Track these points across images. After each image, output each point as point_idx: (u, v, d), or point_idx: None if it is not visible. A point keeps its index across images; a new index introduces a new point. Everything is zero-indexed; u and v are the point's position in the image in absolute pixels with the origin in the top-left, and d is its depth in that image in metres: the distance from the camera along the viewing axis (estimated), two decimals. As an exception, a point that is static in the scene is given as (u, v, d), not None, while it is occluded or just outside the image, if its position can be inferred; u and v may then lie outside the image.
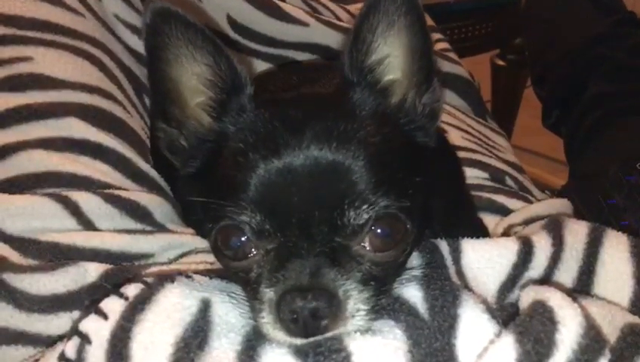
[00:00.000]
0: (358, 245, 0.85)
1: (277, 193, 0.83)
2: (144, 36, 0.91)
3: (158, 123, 1.00)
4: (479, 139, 1.64)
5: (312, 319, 0.77)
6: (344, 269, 0.82)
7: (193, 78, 0.94)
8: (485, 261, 0.92)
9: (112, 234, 1.03)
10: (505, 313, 0.81)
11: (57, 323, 0.90)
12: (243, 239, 0.86)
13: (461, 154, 1.48)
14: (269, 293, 0.81)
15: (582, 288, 0.92)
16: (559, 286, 0.86)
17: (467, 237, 0.97)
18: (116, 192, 1.07)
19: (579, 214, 1.38)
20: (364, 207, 0.82)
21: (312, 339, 0.77)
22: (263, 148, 0.85)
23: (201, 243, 1.07)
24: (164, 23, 0.89)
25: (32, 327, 0.90)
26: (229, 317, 0.81)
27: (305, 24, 1.68)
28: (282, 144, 0.85)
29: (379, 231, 0.85)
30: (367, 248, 0.85)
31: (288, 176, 0.83)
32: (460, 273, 0.91)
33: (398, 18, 0.90)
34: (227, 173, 0.88)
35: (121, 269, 0.93)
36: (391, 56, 0.94)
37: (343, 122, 0.87)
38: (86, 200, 1.03)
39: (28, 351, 0.89)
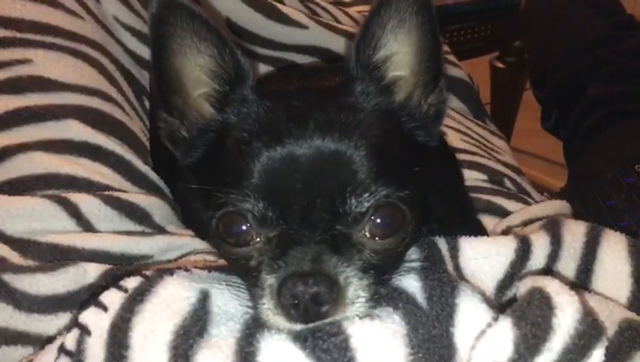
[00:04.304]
0: (358, 233, 0.86)
1: (280, 181, 0.84)
2: (150, 25, 0.91)
3: (160, 112, 1.00)
4: (478, 142, 1.65)
5: (312, 304, 0.78)
6: (345, 257, 0.83)
7: (197, 68, 0.94)
8: (483, 258, 0.92)
9: (112, 235, 1.03)
10: (502, 308, 0.81)
11: (57, 323, 0.90)
12: (244, 227, 0.87)
13: (460, 156, 1.48)
14: (269, 279, 0.82)
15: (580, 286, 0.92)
16: (558, 276, 0.87)
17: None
18: (115, 194, 1.08)
19: (578, 216, 1.38)
20: (366, 195, 0.83)
21: (311, 325, 0.78)
22: (266, 137, 0.86)
23: (201, 244, 1.07)
24: (169, 13, 0.89)
25: (32, 328, 0.90)
26: (228, 306, 0.82)
27: (304, 26, 1.68)
28: (285, 133, 0.85)
29: (379, 220, 0.86)
30: (368, 236, 0.86)
31: (291, 165, 0.84)
32: (458, 269, 0.91)
33: (409, 16, 0.90)
34: (230, 161, 0.89)
35: (121, 270, 0.93)
36: (399, 53, 0.94)
37: (346, 114, 0.88)
38: (85, 201, 1.03)
39: (27, 351, 0.89)
